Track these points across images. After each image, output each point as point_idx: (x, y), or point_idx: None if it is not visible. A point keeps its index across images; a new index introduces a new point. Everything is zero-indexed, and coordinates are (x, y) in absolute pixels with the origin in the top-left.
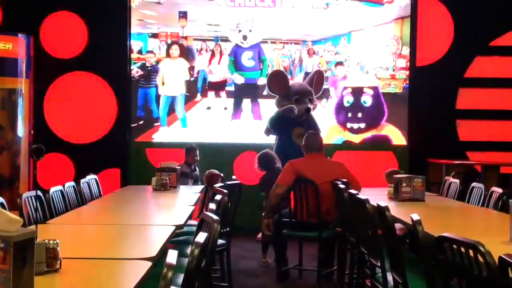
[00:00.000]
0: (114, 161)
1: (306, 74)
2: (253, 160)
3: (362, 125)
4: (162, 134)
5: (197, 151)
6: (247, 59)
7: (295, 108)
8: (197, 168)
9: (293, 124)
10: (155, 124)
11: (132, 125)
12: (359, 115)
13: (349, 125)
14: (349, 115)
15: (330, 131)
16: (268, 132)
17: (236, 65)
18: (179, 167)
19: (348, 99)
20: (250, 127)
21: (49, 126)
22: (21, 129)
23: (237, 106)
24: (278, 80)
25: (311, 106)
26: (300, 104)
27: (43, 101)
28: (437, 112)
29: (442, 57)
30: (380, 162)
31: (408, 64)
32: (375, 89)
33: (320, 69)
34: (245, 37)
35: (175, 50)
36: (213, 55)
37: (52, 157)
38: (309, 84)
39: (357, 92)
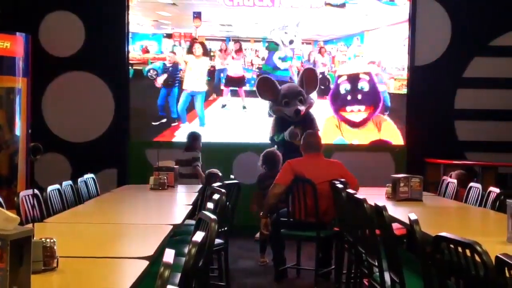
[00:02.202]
0: (111, 160)
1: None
2: (252, 160)
3: (362, 107)
4: (184, 132)
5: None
6: (277, 59)
7: (297, 133)
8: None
9: (291, 125)
10: (172, 124)
11: (153, 123)
12: (359, 96)
13: (349, 108)
14: (348, 97)
15: (326, 124)
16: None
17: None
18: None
19: (345, 87)
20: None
21: (47, 125)
22: (19, 128)
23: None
24: (265, 86)
25: (301, 107)
26: (290, 107)
27: (41, 100)
28: (436, 112)
29: (440, 56)
30: (378, 162)
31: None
32: (369, 74)
33: (309, 67)
34: (291, 42)
35: (197, 48)
36: (228, 51)
37: (50, 156)
38: (299, 84)
39: (353, 78)
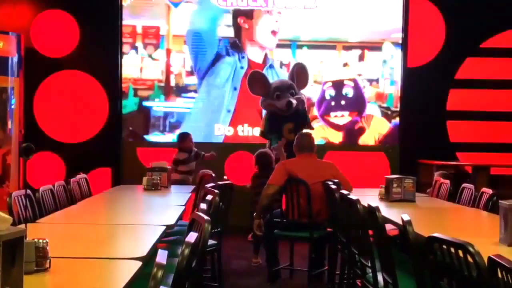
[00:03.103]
0: (104, 160)
1: None
2: (245, 160)
3: (346, 113)
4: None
5: (191, 136)
6: None
7: (279, 146)
8: (195, 149)
9: (283, 121)
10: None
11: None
12: (342, 102)
13: (332, 114)
14: (332, 103)
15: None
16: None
17: None
18: (175, 158)
19: (330, 92)
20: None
21: (40, 125)
22: (12, 128)
23: None
24: (257, 80)
25: (293, 100)
26: (281, 99)
27: (33, 100)
28: (428, 113)
29: (433, 58)
30: (371, 163)
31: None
32: (355, 81)
33: (300, 62)
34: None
35: None
36: None
37: (42, 156)
38: (290, 78)
39: (338, 85)
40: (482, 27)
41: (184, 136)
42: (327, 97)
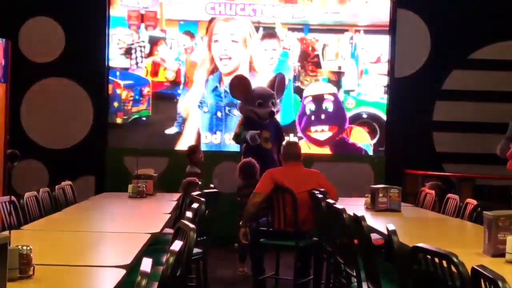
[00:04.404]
0: (89, 167)
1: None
2: (232, 169)
3: (326, 127)
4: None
5: (200, 148)
6: None
7: (257, 136)
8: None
9: (259, 129)
10: None
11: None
12: (322, 116)
13: (313, 128)
14: (312, 118)
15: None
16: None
17: None
18: (190, 172)
19: (310, 107)
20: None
21: (26, 131)
22: None
23: None
24: (240, 85)
25: (274, 110)
26: (263, 108)
27: (20, 106)
28: (414, 123)
29: (419, 69)
30: (357, 173)
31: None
32: (335, 95)
33: (281, 73)
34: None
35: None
36: None
37: (28, 162)
38: (270, 87)
39: (318, 99)
40: (469, 39)
41: (195, 149)
42: (307, 111)
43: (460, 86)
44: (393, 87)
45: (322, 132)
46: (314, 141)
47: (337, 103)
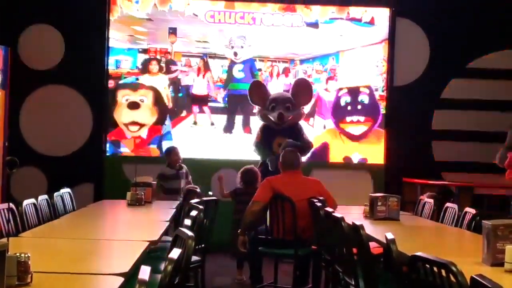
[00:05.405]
0: (88, 175)
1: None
2: (231, 177)
3: (362, 118)
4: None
5: (178, 150)
6: (237, 71)
7: (274, 160)
8: (183, 165)
9: (275, 134)
10: None
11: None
12: (359, 107)
13: (348, 118)
14: (348, 108)
15: (326, 135)
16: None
17: (228, 79)
18: (160, 173)
19: (346, 99)
20: (241, 141)
21: (25, 138)
22: None
23: (229, 121)
24: (256, 90)
25: (285, 113)
26: (275, 111)
27: (19, 113)
28: (413, 132)
29: (418, 78)
30: (356, 181)
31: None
32: (369, 88)
33: (302, 78)
34: (235, 54)
35: (154, 65)
36: (198, 69)
37: (26, 169)
38: (291, 92)
39: (354, 91)
40: (468, 48)
41: (169, 150)
42: (343, 103)
43: (459, 95)
44: (392, 96)
45: (358, 123)
46: (348, 135)
47: (372, 96)
